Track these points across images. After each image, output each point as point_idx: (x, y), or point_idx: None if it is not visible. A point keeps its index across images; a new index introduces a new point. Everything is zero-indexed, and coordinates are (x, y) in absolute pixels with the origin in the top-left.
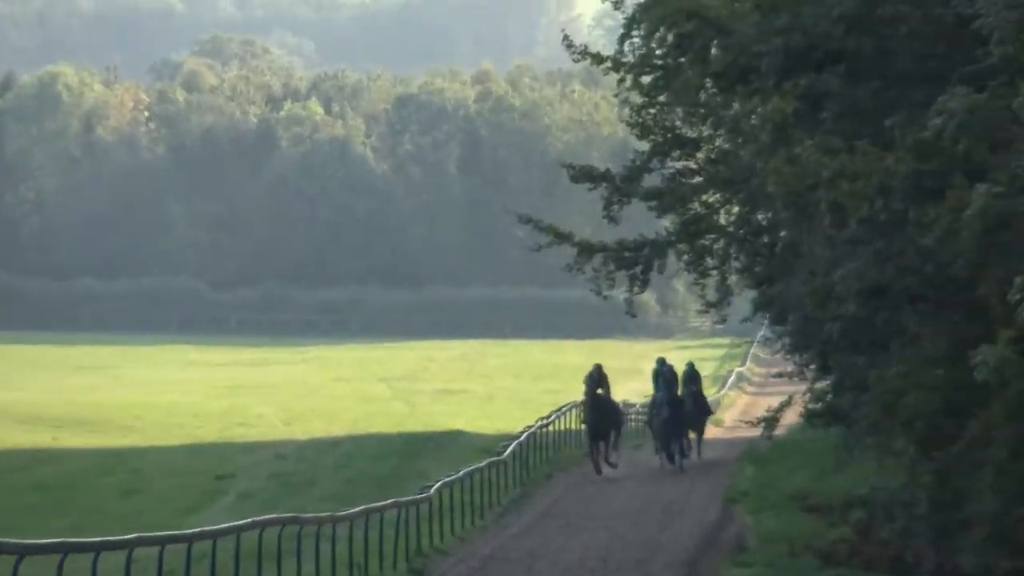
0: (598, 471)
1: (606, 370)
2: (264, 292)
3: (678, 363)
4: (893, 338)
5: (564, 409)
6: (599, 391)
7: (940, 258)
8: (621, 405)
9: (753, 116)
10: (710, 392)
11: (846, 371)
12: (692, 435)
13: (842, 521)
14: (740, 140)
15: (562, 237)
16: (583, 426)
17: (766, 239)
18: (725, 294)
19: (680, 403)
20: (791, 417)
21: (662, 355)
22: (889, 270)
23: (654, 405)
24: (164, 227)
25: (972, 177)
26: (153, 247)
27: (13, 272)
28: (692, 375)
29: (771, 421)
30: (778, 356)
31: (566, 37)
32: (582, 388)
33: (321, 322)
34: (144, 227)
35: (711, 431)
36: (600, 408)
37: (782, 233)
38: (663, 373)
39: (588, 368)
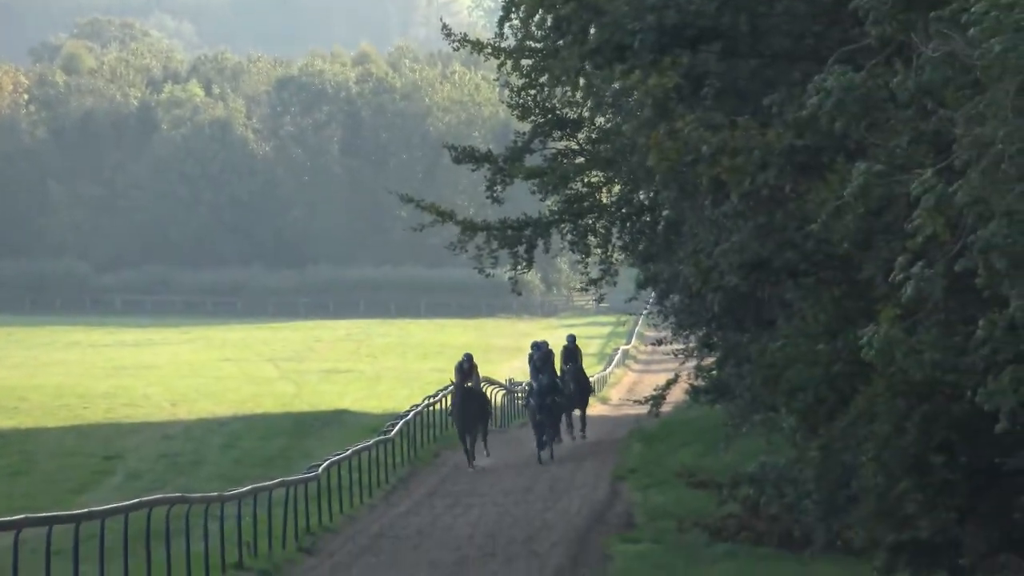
0: (471, 463)
1: (478, 359)
2: (147, 274)
3: (561, 340)
4: (776, 313)
5: (450, 388)
6: (468, 384)
7: (822, 236)
8: (508, 383)
9: (634, 92)
10: (596, 370)
11: (730, 347)
12: (576, 413)
13: (730, 497)
14: (621, 119)
15: (445, 216)
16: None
17: (648, 218)
18: (608, 272)
19: (555, 389)
20: (677, 395)
21: (541, 339)
22: (770, 244)
23: (531, 392)
24: (46, 209)
25: (851, 156)
26: (35, 229)
27: None
28: (572, 350)
29: (658, 399)
30: (663, 333)
31: (445, 26)
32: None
33: (205, 303)
34: (25, 210)
35: (598, 409)
36: (469, 401)
37: (664, 212)
38: (538, 357)
39: (459, 357)
